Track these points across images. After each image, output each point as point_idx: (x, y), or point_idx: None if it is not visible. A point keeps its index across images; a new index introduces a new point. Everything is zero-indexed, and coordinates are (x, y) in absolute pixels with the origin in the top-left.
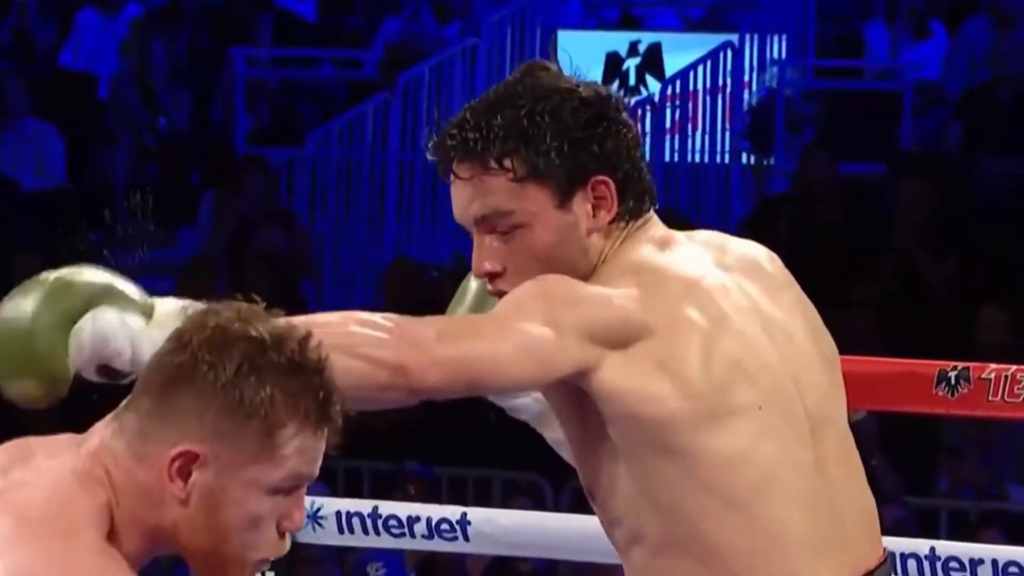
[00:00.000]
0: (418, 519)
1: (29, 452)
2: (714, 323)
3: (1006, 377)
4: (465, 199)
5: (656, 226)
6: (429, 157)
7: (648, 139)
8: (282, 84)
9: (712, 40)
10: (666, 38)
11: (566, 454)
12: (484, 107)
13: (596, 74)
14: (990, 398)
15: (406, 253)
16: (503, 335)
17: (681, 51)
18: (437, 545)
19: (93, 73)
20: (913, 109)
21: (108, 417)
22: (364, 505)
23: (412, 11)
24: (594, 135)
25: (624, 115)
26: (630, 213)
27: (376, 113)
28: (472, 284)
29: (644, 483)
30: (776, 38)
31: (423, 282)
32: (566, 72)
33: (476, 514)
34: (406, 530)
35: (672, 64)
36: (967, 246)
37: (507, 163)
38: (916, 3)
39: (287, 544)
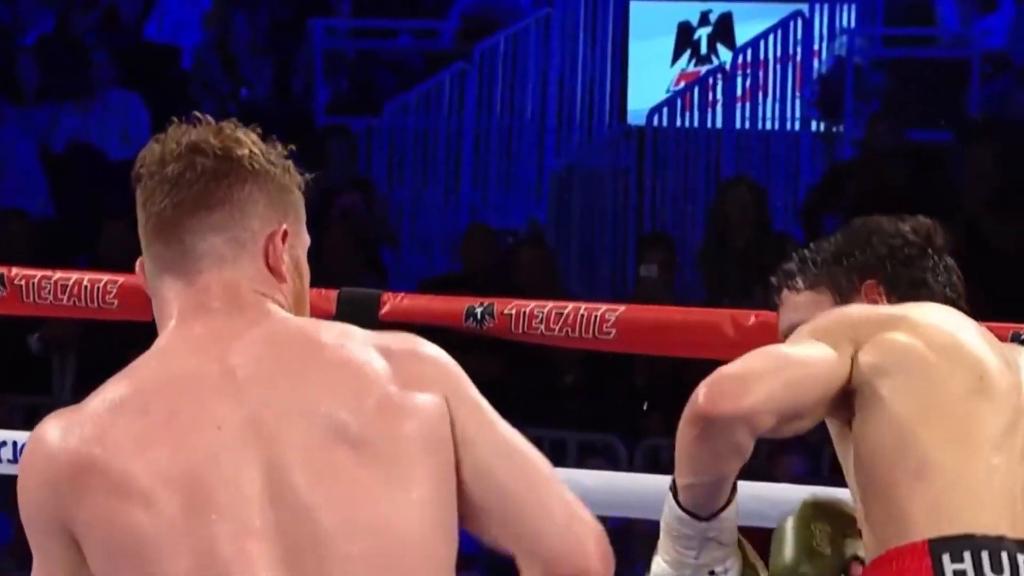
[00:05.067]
0: None
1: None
2: None
3: None
4: (779, 323)
5: None
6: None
7: (719, 108)
8: (360, 54)
9: (782, 9)
10: (737, 7)
11: None
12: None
13: (668, 43)
14: None
15: (481, 219)
16: None
17: (751, 20)
18: None
19: (177, 45)
20: (980, 77)
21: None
22: None
23: None
24: (862, 246)
25: (919, 234)
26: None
27: (452, 83)
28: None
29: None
30: (845, 7)
31: (498, 248)
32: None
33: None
34: None
35: (743, 33)
36: None
37: (796, 279)
38: None
39: None
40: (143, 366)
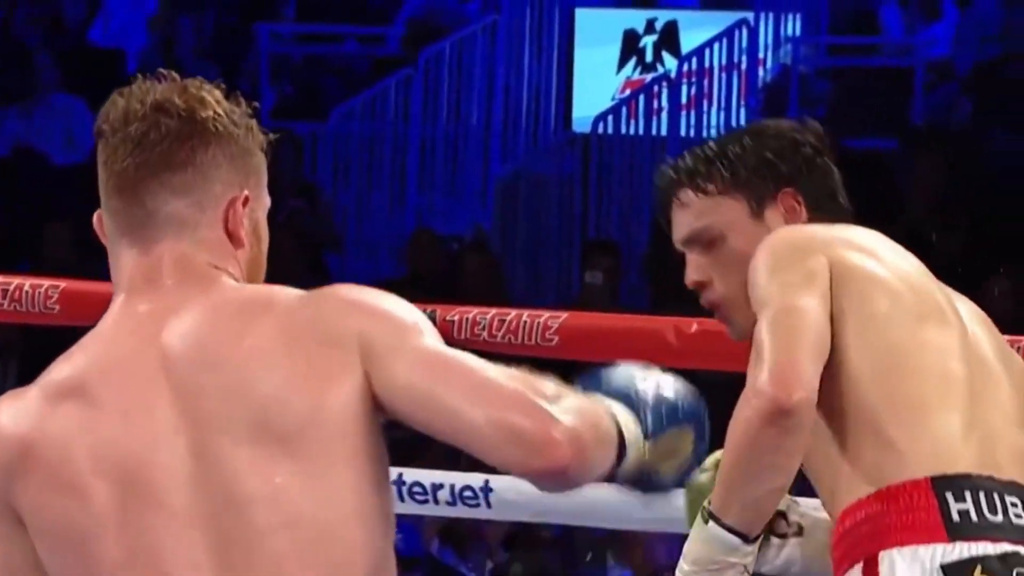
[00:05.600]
0: (442, 486)
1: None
2: None
3: (1017, 349)
4: (676, 222)
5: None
6: (659, 187)
7: (664, 115)
8: (306, 60)
9: (727, 18)
10: (682, 16)
11: None
12: (699, 146)
13: (613, 51)
14: None
15: (427, 225)
16: None
17: (697, 28)
18: (460, 512)
19: (122, 49)
20: (924, 86)
21: (134, 265)
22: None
23: None
24: (781, 153)
25: (815, 142)
26: (824, 214)
27: (398, 88)
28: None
29: None
30: (790, 16)
31: (444, 253)
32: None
33: (499, 481)
34: (430, 497)
35: (688, 41)
36: (976, 219)
37: (704, 184)
38: None
39: None
40: (87, 347)
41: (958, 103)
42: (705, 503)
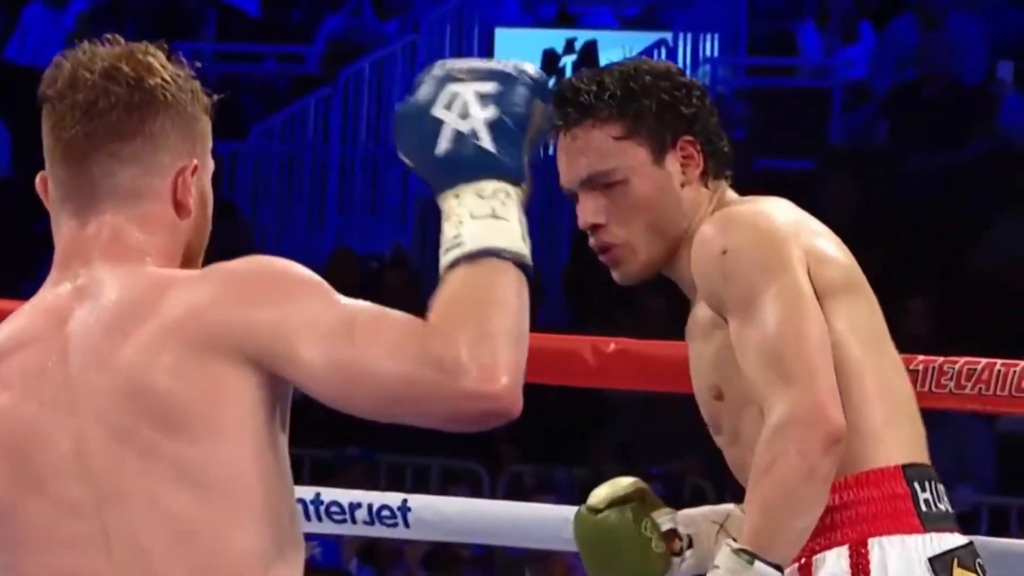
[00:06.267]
0: (359, 505)
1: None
2: None
3: (933, 368)
4: (572, 161)
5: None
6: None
7: None
8: (225, 78)
9: (646, 38)
10: (602, 36)
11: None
12: (589, 77)
13: None
14: (917, 389)
15: (347, 244)
16: None
17: (616, 48)
18: (378, 531)
19: (39, 67)
20: (842, 106)
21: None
22: (306, 492)
23: (353, 7)
24: (680, 100)
25: (703, 89)
26: (714, 173)
27: (317, 107)
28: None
29: None
30: (708, 36)
31: (364, 271)
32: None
33: (417, 501)
34: (347, 516)
35: (608, 61)
36: (893, 238)
37: (610, 124)
38: (845, 5)
39: None
40: (13, 318)
41: (875, 124)
42: (730, 543)
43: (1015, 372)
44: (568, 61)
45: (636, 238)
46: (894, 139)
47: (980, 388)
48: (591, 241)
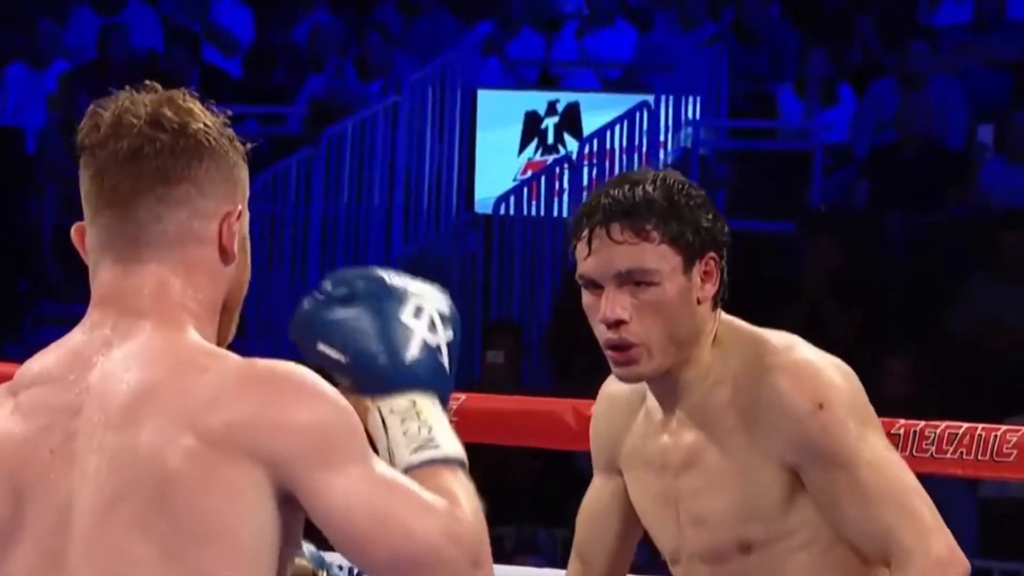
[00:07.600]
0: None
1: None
2: None
3: (914, 432)
4: (610, 256)
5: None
6: (579, 220)
7: (566, 196)
8: None
9: (628, 100)
10: (584, 98)
11: None
12: (635, 181)
13: (515, 132)
14: (899, 453)
15: None
16: None
17: (598, 111)
18: None
19: (20, 127)
20: (822, 169)
21: (102, 296)
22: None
23: (335, 69)
24: (717, 219)
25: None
26: (721, 300)
27: (300, 168)
28: None
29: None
30: (690, 99)
31: None
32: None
33: None
34: None
35: (590, 123)
36: (873, 300)
37: (659, 231)
38: (825, 68)
39: None
40: (50, 351)
41: (855, 186)
42: None
43: (996, 436)
44: (550, 123)
45: (655, 342)
46: (874, 201)
47: (961, 452)
48: (610, 335)
